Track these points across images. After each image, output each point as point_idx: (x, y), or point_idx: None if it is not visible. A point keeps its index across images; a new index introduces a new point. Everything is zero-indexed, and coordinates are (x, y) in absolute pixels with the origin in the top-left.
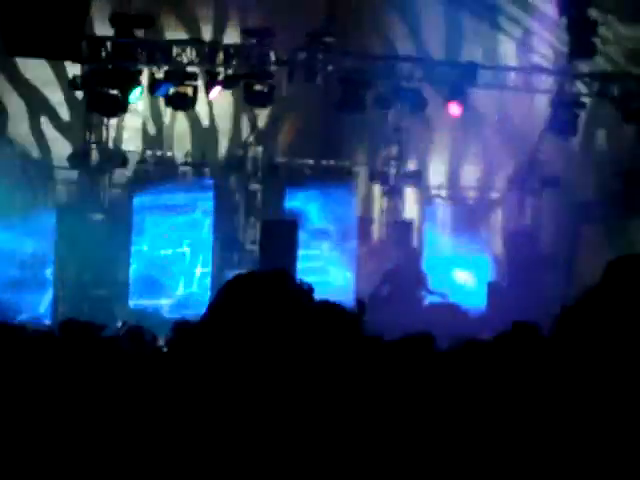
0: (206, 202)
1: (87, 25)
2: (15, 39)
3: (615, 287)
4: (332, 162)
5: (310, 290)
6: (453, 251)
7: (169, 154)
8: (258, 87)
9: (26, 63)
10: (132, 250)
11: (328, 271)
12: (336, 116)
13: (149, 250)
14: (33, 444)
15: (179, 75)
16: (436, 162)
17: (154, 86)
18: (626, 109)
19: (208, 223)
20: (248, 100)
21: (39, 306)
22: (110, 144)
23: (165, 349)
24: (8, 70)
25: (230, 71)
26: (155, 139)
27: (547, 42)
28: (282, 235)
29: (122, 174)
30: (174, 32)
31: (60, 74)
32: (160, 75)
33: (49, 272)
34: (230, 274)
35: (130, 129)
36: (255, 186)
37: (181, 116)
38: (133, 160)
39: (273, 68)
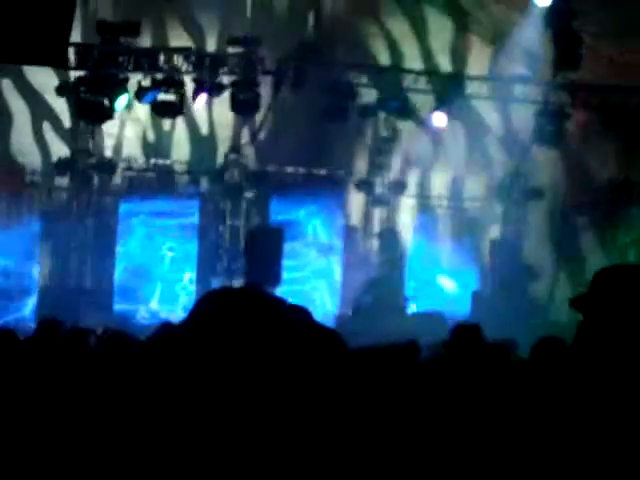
0: (193, 209)
1: (74, 33)
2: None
3: (603, 297)
4: (321, 171)
5: (284, 305)
6: (439, 260)
7: (156, 161)
8: (244, 96)
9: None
10: (117, 256)
11: (314, 280)
12: (325, 125)
13: (134, 256)
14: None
15: (166, 83)
16: (424, 172)
17: (141, 93)
18: (609, 120)
19: (194, 230)
20: (234, 108)
21: (24, 309)
22: (97, 151)
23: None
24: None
25: (217, 79)
26: (140, 147)
27: (533, 53)
28: (268, 243)
29: (109, 181)
30: (162, 40)
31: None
32: (147, 83)
33: (34, 276)
34: (216, 281)
35: (116, 136)
36: (241, 194)
37: (168, 124)
38: (120, 167)
39: (260, 77)
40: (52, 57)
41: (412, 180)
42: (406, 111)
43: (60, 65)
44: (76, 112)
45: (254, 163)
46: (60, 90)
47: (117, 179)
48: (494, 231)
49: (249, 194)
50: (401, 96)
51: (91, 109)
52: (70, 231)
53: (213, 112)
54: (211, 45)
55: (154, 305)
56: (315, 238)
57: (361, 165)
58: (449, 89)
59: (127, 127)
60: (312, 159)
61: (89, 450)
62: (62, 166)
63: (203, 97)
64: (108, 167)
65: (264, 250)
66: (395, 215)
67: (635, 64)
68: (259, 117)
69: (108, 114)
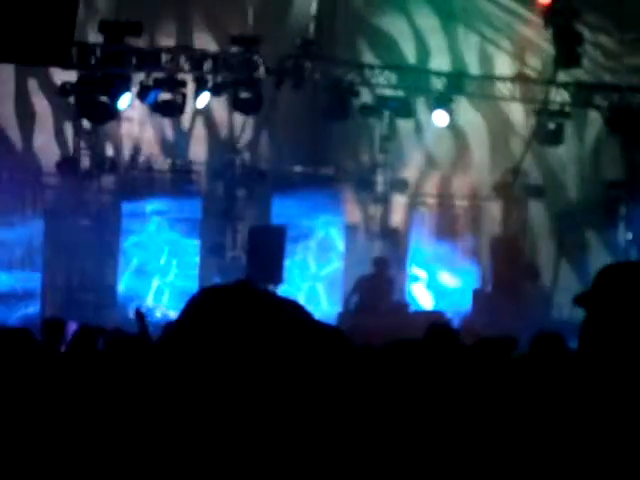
0: (194, 208)
1: (77, 32)
2: (1, 45)
3: (606, 294)
4: (321, 170)
5: (278, 301)
6: (440, 258)
7: (157, 160)
8: (245, 94)
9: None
10: (120, 256)
11: (314, 279)
12: (324, 124)
13: (136, 256)
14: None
15: (168, 82)
16: (424, 170)
17: (143, 93)
18: (610, 119)
19: (196, 229)
20: (235, 107)
21: (28, 309)
22: (99, 150)
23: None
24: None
25: (218, 78)
26: (143, 145)
27: (533, 51)
28: (269, 241)
29: (111, 180)
30: (164, 39)
31: None
32: (149, 82)
33: (37, 277)
34: (217, 280)
35: (118, 136)
36: (242, 192)
37: (167, 123)
38: (122, 166)
39: (261, 76)
40: (55, 56)
41: (412, 178)
42: (408, 110)
43: (63, 65)
44: (77, 111)
45: (254, 162)
46: (63, 90)
47: (120, 178)
48: (495, 229)
49: (250, 193)
50: (402, 95)
51: (94, 108)
52: (73, 230)
53: (213, 111)
54: (211, 45)
55: (158, 304)
56: (316, 237)
57: (362, 164)
58: (452, 87)
59: (127, 127)
60: (313, 158)
61: (92, 448)
62: (65, 165)
63: (205, 96)
64: (110, 166)
65: (266, 249)
66: (396, 214)
67: (636, 64)
68: (260, 116)
69: (110, 114)
